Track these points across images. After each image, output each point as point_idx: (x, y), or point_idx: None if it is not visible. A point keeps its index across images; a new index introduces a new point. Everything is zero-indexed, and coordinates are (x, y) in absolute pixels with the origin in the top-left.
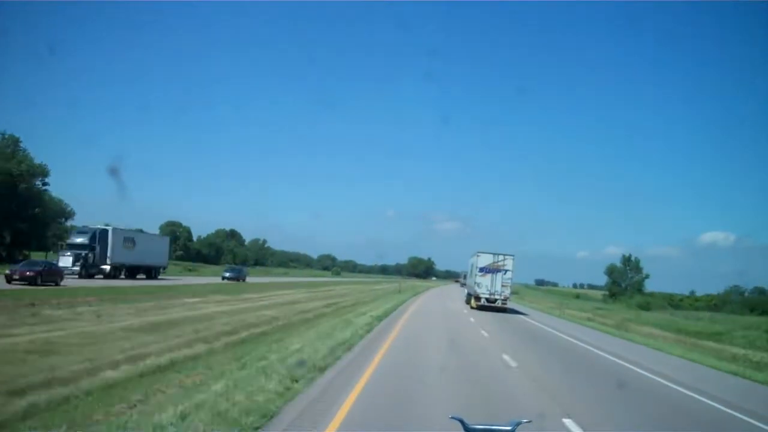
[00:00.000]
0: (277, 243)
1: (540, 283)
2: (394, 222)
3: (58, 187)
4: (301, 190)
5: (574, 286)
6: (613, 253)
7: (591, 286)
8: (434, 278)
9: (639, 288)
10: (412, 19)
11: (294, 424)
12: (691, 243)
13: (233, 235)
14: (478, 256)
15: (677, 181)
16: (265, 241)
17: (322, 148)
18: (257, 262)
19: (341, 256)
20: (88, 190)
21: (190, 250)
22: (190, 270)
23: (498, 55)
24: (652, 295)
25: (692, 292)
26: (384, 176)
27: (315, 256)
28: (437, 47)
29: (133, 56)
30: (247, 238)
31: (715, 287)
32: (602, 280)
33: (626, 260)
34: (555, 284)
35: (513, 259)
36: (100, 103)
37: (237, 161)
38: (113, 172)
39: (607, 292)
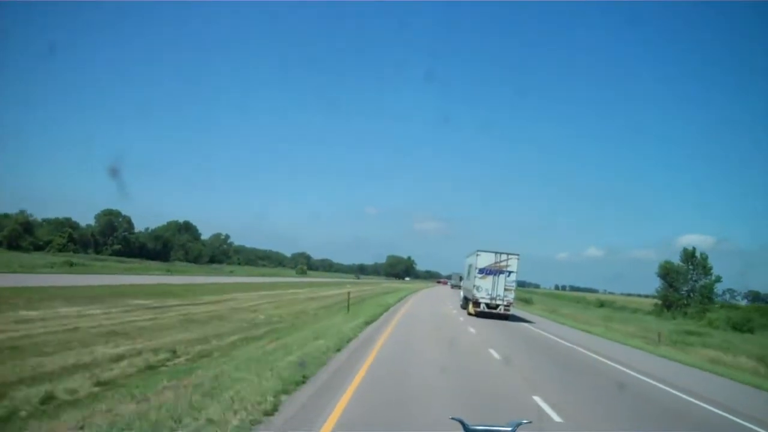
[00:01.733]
0: (252, 241)
1: (521, 284)
2: (375, 221)
3: None
4: (280, 189)
5: (556, 287)
6: (594, 255)
7: (579, 289)
8: (407, 278)
9: (708, 295)
10: (397, 15)
11: None
12: (669, 246)
13: (187, 228)
14: (477, 255)
15: (657, 184)
16: (227, 237)
17: (303, 146)
18: (214, 259)
19: (318, 255)
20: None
21: (132, 244)
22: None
23: (489, 59)
24: (737, 307)
25: None
26: (366, 175)
27: (289, 254)
28: (422, 45)
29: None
30: (215, 234)
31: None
32: (583, 281)
33: (688, 257)
34: (537, 285)
35: (518, 259)
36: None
37: (214, 157)
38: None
39: (659, 302)
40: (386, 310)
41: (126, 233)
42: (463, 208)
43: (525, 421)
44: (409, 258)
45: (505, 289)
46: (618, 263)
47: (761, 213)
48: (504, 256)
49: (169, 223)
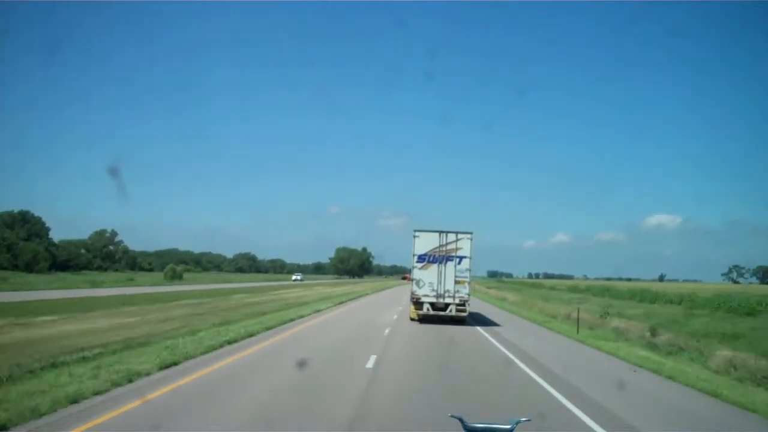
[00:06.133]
0: (191, 244)
1: (493, 274)
2: (337, 220)
3: None
4: (231, 190)
5: (530, 276)
6: (562, 241)
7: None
8: (297, 276)
9: None
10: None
11: None
12: (637, 227)
13: (24, 221)
14: (415, 236)
15: (622, 166)
16: (114, 234)
17: (255, 145)
18: (61, 266)
19: (268, 255)
20: None
21: None
22: None
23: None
24: None
25: (662, 277)
26: (327, 172)
27: (230, 255)
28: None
29: None
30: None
31: (663, 268)
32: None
33: None
34: (509, 275)
35: (471, 240)
36: None
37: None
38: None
39: None
40: None
41: None
42: (429, 202)
43: (524, 419)
44: (364, 250)
45: (456, 282)
46: (587, 248)
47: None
48: (451, 237)
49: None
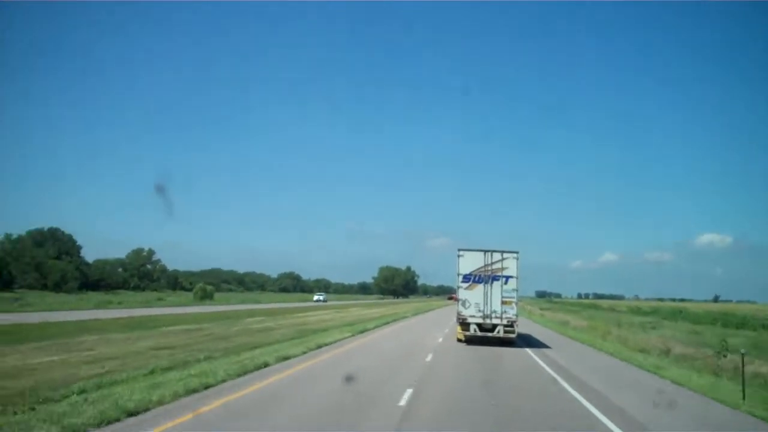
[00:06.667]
0: (234, 264)
1: (541, 294)
2: (384, 239)
3: None
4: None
5: (579, 296)
6: (610, 260)
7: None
8: (320, 296)
9: None
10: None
11: None
12: (686, 246)
13: (54, 239)
14: (459, 255)
15: (669, 185)
16: (151, 253)
17: (301, 164)
18: (93, 285)
19: (313, 275)
20: None
21: None
22: None
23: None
24: None
25: (716, 297)
26: (375, 191)
27: (275, 275)
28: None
29: None
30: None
31: (715, 289)
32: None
33: None
34: (558, 295)
35: (517, 260)
36: None
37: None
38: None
39: None
40: None
41: None
42: (475, 221)
43: None
44: (408, 269)
45: (503, 303)
46: (635, 267)
47: None
48: (497, 256)
49: (29, 233)
